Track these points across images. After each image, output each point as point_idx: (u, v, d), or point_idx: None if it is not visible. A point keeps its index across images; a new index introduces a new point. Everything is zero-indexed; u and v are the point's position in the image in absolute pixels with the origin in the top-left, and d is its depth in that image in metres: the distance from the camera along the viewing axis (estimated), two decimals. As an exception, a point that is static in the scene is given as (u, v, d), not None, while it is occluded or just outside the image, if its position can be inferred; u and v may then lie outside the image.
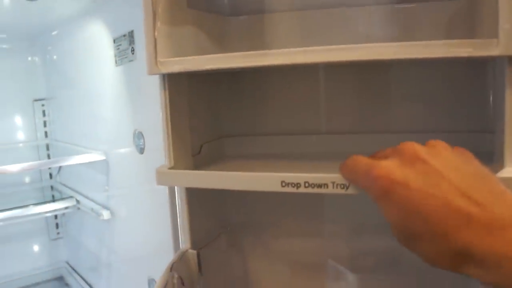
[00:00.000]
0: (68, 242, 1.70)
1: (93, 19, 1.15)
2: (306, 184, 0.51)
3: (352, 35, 0.71)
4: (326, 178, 0.50)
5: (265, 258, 0.82)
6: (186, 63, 0.57)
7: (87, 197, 1.36)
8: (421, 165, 0.38)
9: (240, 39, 0.77)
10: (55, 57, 1.55)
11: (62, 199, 1.46)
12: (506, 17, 0.44)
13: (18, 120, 1.63)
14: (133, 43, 0.93)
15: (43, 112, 1.66)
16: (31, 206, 1.39)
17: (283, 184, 0.51)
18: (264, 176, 0.53)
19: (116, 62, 1.02)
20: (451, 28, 0.65)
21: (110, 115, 1.12)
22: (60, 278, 1.71)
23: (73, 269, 1.63)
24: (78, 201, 1.39)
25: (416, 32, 0.67)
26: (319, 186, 0.50)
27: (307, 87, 0.76)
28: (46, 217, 1.66)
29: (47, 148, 1.68)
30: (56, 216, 1.69)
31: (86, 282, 1.49)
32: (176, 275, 0.62)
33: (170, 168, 0.59)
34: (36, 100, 1.65)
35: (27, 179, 1.67)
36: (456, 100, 0.69)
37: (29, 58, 1.64)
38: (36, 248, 1.70)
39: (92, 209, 1.24)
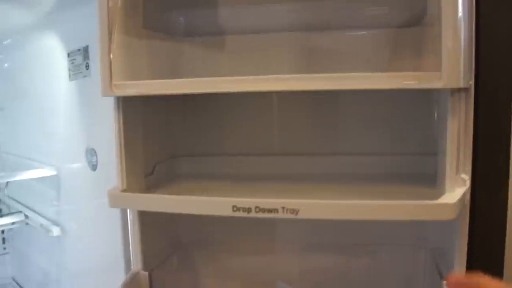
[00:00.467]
0: (15, 257, 1.64)
1: (47, 31, 1.13)
2: (257, 209, 0.52)
3: (308, 56, 0.74)
4: (276, 204, 0.51)
5: (217, 276, 0.83)
6: (140, 87, 0.57)
7: (36, 212, 1.31)
8: None
9: (195, 60, 0.78)
10: (6, 65, 1.50)
11: (10, 213, 1.40)
12: (448, 53, 0.47)
13: (-34, 130, 1.57)
14: (88, 59, 0.92)
15: (-7, 122, 1.60)
16: (-24, 220, 1.33)
17: (235, 209, 0.52)
18: (216, 200, 0.54)
19: (70, 77, 1.00)
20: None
21: (63, 130, 1.10)
22: (6, 295, 1.64)
23: (20, 286, 1.57)
24: (26, 216, 1.35)
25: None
26: (270, 211, 0.52)
27: (260, 109, 0.78)
28: (-8, 232, 1.60)
29: (-4, 160, 1.62)
30: (3, 231, 1.63)
31: (34, 300, 1.44)
32: (126, 298, 0.62)
33: (123, 191, 0.59)
34: (-15, 110, 1.58)
35: (-28, 192, 1.60)
36: (403, 123, 0.73)
37: (-21, 66, 1.58)
38: (-20, 263, 1.62)
39: (41, 225, 1.20)
